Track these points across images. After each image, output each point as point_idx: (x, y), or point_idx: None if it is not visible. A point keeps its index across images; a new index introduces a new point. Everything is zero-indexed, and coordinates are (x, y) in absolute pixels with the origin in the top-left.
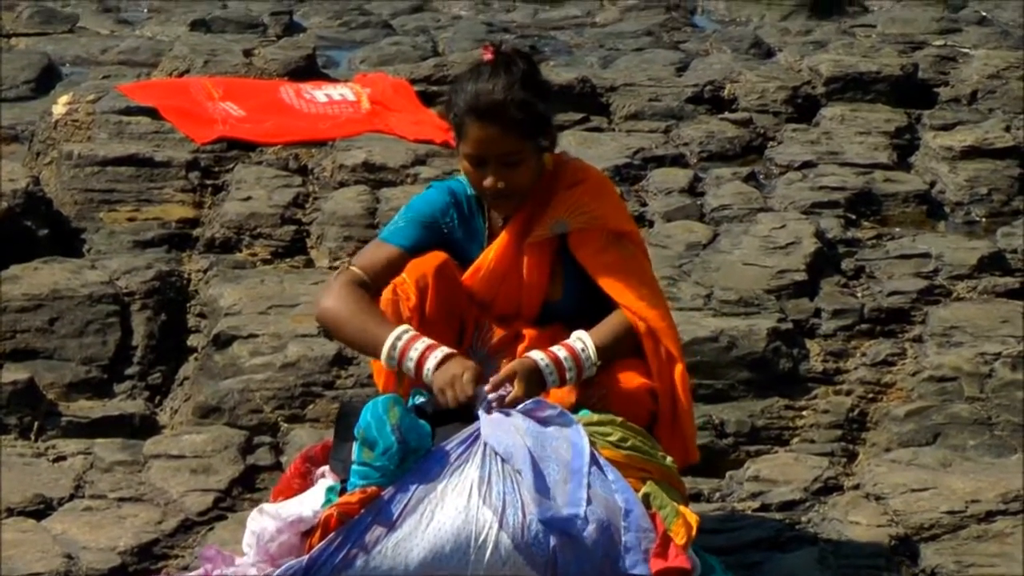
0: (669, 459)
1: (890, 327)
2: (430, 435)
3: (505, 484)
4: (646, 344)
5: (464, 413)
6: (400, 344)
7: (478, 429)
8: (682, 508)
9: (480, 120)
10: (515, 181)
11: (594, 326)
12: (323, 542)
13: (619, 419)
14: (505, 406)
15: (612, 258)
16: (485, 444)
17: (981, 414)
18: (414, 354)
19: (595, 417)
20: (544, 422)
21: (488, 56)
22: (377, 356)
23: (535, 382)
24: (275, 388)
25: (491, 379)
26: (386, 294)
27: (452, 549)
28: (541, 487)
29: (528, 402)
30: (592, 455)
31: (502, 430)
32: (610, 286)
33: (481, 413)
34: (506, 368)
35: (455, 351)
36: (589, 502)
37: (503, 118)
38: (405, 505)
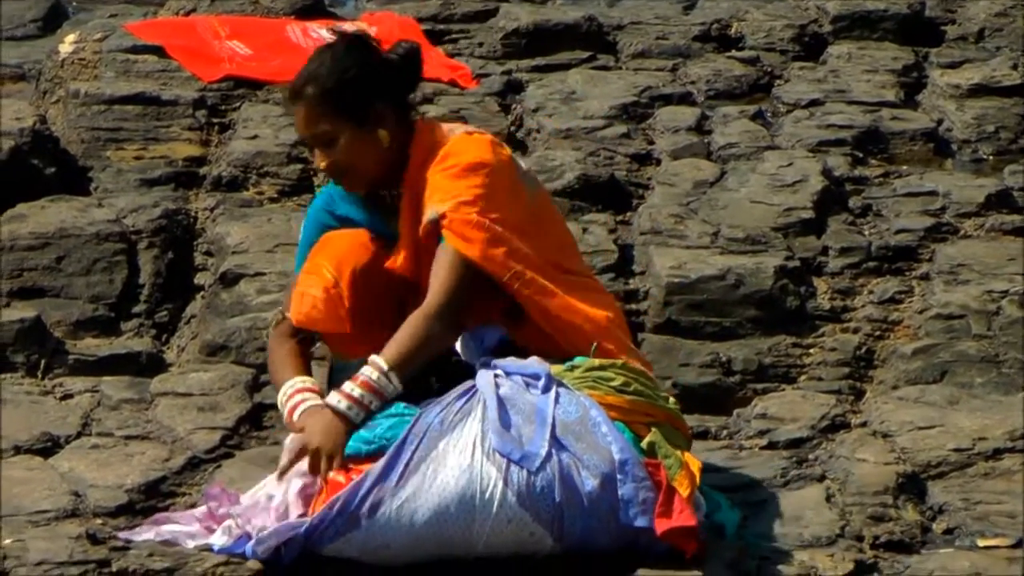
0: (672, 400)
1: (897, 265)
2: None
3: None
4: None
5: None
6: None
7: (475, 383)
8: (686, 456)
9: (292, 104)
10: (338, 159)
11: None
12: (325, 506)
13: (620, 362)
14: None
15: (455, 236)
16: (484, 399)
17: (988, 352)
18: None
19: (596, 362)
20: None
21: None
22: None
23: (335, 431)
24: None
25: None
26: (318, 295)
27: (457, 508)
28: (505, 422)
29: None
30: (586, 406)
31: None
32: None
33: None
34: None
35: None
36: (562, 447)
37: (305, 99)
38: (407, 465)
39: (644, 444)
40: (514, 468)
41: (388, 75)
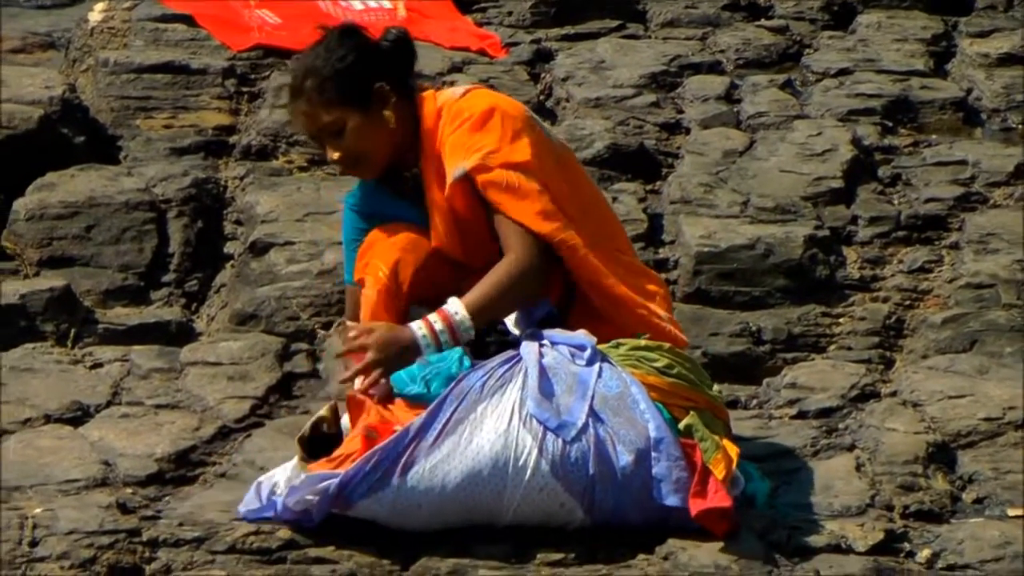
0: (716, 388)
1: (927, 234)
2: (456, 351)
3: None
4: (567, 259)
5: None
6: None
7: (519, 352)
8: (724, 441)
9: (292, 103)
10: (348, 147)
11: None
12: (359, 460)
13: (667, 345)
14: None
15: (507, 196)
16: (527, 367)
17: (1018, 321)
18: None
19: (642, 342)
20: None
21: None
22: None
23: (398, 350)
24: (312, 295)
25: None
26: (371, 295)
27: (490, 472)
28: (545, 390)
29: (564, 334)
30: (627, 382)
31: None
32: (503, 220)
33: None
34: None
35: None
36: (599, 420)
37: (303, 95)
38: (444, 425)
39: (681, 426)
40: (550, 437)
41: (383, 57)
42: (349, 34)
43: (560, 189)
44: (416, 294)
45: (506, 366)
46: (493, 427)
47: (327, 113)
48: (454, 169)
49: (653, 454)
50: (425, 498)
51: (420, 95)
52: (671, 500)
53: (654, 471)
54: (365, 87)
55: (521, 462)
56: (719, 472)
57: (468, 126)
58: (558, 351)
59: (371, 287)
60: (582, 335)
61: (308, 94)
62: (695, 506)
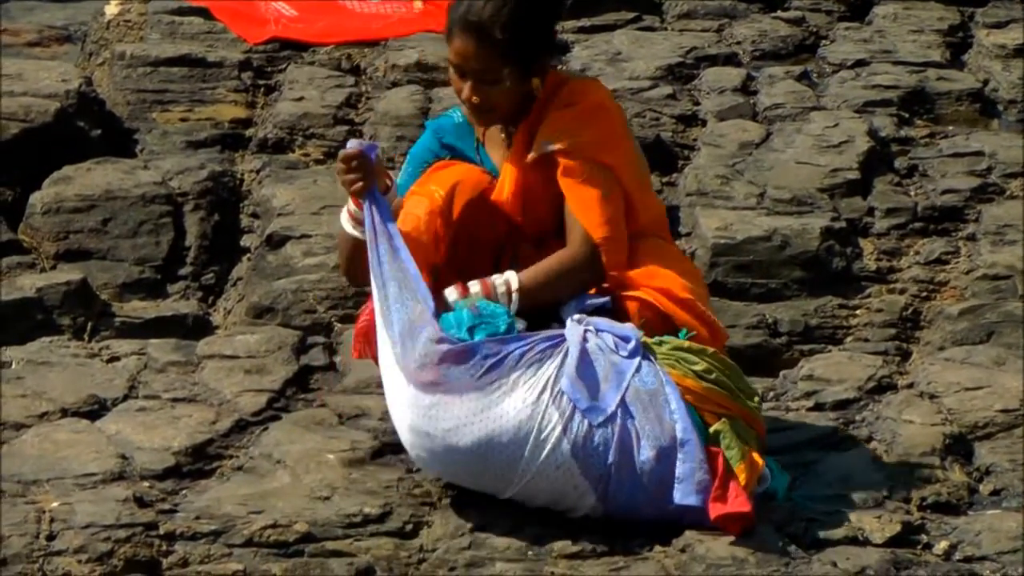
0: (756, 398)
1: (943, 225)
2: (506, 313)
3: None
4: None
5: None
6: None
7: (564, 332)
8: (753, 452)
9: (463, 33)
10: (490, 99)
11: None
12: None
13: (710, 350)
14: None
15: (584, 190)
16: (568, 348)
17: None
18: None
19: (685, 343)
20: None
21: None
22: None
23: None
24: (328, 288)
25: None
26: (421, 215)
27: (510, 439)
28: (582, 372)
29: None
30: (663, 380)
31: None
32: (572, 212)
33: (568, 320)
34: None
35: None
36: (628, 413)
37: (485, 36)
38: (481, 373)
39: (711, 431)
40: (576, 418)
41: (554, 25)
42: None
43: (635, 203)
44: (465, 227)
45: (548, 343)
46: (522, 397)
47: (492, 60)
48: (544, 142)
49: (678, 454)
50: (442, 443)
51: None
52: (690, 499)
53: (677, 471)
54: (536, 54)
55: (544, 436)
56: (742, 479)
57: (575, 111)
58: (602, 339)
59: (420, 207)
60: (629, 328)
61: (483, 34)
62: (715, 510)
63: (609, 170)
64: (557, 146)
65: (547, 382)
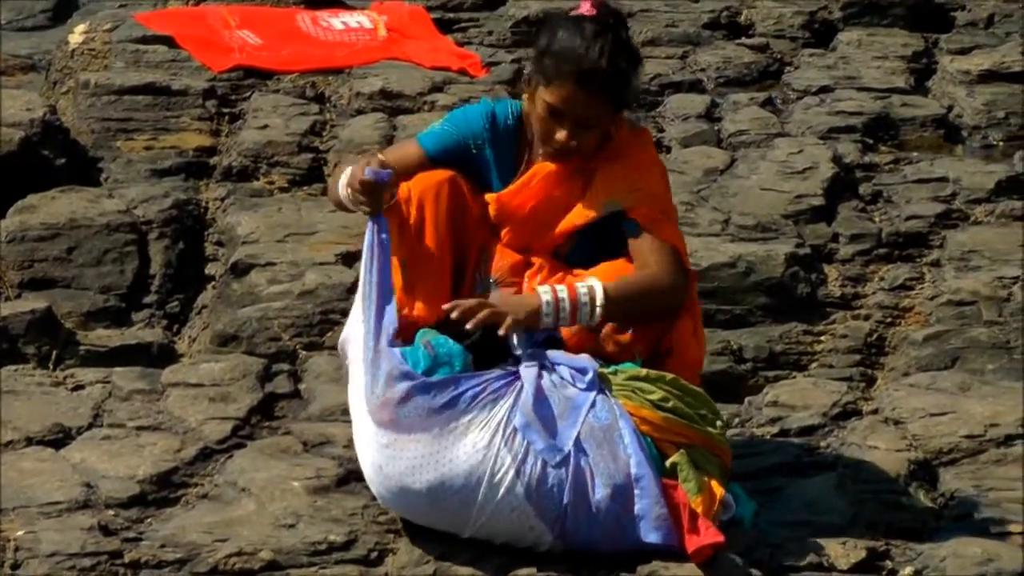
0: (719, 424)
1: (908, 251)
2: (462, 353)
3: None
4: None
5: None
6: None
7: (519, 369)
8: (711, 482)
9: (578, 82)
10: (585, 143)
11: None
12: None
13: (669, 376)
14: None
15: (665, 230)
16: (522, 385)
17: (999, 338)
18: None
19: (642, 372)
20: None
21: (589, 10)
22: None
23: (528, 309)
24: (293, 316)
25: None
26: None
27: (462, 484)
28: (538, 411)
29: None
30: (616, 415)
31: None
32: (655, 249)
33: (522, 353)
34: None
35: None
36: (582, 451)
37: (599, 85)
38: (434, 414)
39: (668, 464)
40: (529, 460)
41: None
42: (629, 32)
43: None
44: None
45: (501, 381)
46: (474, 440)
47: (600, 107)
48: (607, 202)
49: (635, 491)
50: (398, 483)
51: None
52: (652, 537)
53: (636, 509)
54: (629, 103)
55: (497, 479)
56: (700, 511)
57: (634, 162)
58: (558, 372)
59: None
60: (585, 359)
61: (603, 89)
62: (691, 543)
63: (674, 219)
64: (628, 204)
65: (499, 424)
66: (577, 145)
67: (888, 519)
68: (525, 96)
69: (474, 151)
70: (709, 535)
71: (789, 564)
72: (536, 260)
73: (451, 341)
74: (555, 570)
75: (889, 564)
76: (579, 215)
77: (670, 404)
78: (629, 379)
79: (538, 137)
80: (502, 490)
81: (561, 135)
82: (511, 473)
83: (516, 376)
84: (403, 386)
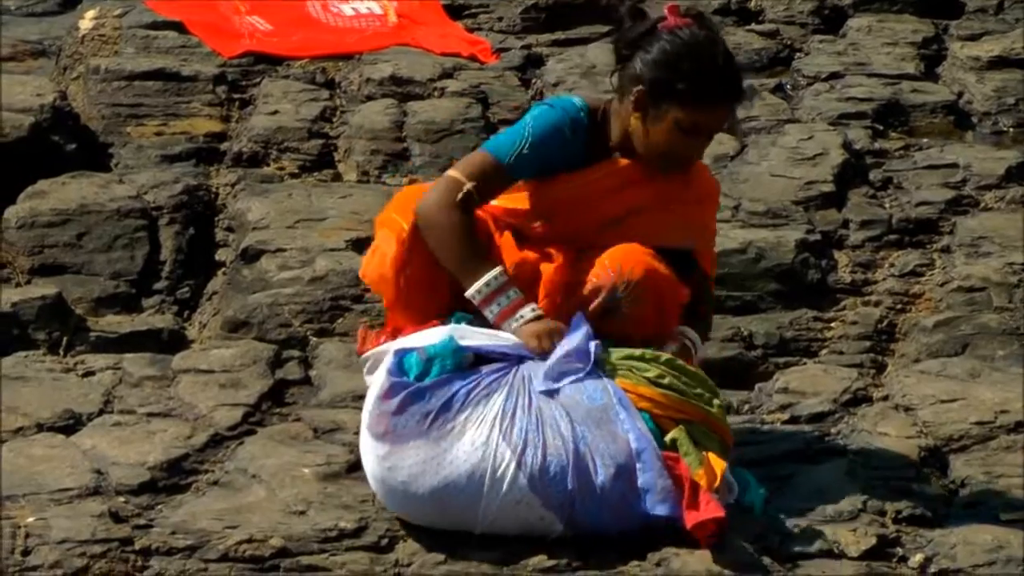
0: (716, 402)
1: (918, 238)
2: (455, 350)
3: (528, 421)
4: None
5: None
6: (487, 290)
7: (514, 361)
8: (710, 456)
9: (725, 100)
10: (701, 153)
11: None
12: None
13: (664, 356)
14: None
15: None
16: (516, 375)
17: (1010, 324)
18: (496, 307)
19: (637, 352)
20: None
21: (685, 21)
22: (463, 285)
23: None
24: (304, 302)
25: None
26: (389, 252)
27: (465, 484)
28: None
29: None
30: (611, 393)
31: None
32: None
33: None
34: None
35: (541, 311)
36: (582, 436)
37: (738, 98)
38: (429, 419)
39: (667, 439)
40: (528, 450)
41: None
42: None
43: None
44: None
45: (494, 375)
46: (471, 439)
47: (728, 121)
48: (684, 239)
49: (637, 464)
50: (401, 492)
51: None
52: (659, 510)
53: (639, 482)
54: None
55: (499, 474)
56: (702, 484)
57: (711, 207)
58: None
59: (389, 243)
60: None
61: (739, 97)
62: (690, 518)
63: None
64: (699, 244)
65: (495, 418)
66: (698, 156)
67: (898, 506)
68: (620, 103)
69: (553, 161)
70: (709, 509)
71: (799, 551)
72: (552, 251)
73: (444, 339)
74: (566, 556)
75: (899, 551)
76: (657, 235)
77: (666, 381)
78: (625, 358)
79: (658, 150)
80: (506, 484)
81: (697, 149)
82: (512, 466)
83: (508, 368)
84: (397, 396)
